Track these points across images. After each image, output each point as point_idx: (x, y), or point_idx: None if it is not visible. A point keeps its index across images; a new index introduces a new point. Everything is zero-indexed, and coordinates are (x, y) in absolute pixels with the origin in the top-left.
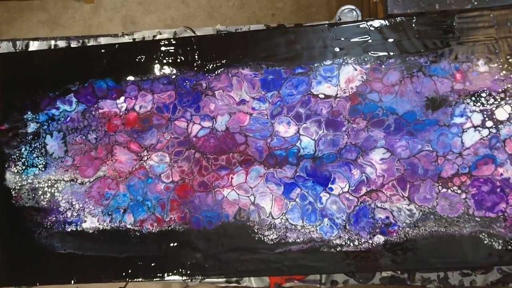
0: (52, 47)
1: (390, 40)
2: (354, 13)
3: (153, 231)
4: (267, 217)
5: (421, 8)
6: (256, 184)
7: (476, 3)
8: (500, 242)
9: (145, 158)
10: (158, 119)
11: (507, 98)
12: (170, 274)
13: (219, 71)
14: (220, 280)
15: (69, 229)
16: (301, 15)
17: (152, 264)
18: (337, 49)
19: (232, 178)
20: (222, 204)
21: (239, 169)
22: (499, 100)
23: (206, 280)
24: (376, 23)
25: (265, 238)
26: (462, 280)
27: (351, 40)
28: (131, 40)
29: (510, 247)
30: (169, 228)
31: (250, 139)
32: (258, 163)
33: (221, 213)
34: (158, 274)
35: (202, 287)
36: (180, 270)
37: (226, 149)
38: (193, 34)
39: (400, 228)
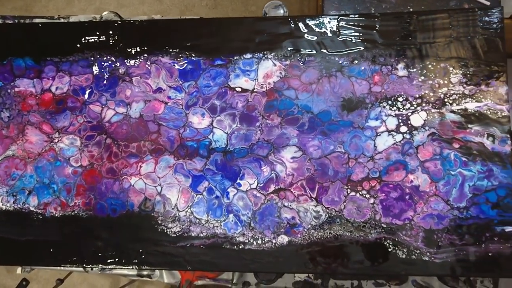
0: None
1: (313, 38)
2: (281, 9)
3: (56, 215)
4: (172, 209)
5: (357, 11)
6: (165, 175)
7: (411, 10)
8: (405, 250)
9: (56, 140)
10: (73, 102)
11: (424, 104)
12: (69, 261)
13: (139, 58)
14: (132, 273)
15: None
16: None
17: (51, 250)
18: (258, 44)
19: (141, 166)
20: (128, 193)
21: (149, 157)
22: (415, 105)
23: (115, 271)
24: (300, 20)
25: (168, 230)
26: None
27: (274, 35)
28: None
29: (414, 256)
30: (73, 213)
31: (163, 128)
32: (169, 153)
33: (126, 201)
34: (56, 261)
35: (152, 286)
36: (80, 257)
37: (138, 137)
38: (119, 19)
39: (305, 230)
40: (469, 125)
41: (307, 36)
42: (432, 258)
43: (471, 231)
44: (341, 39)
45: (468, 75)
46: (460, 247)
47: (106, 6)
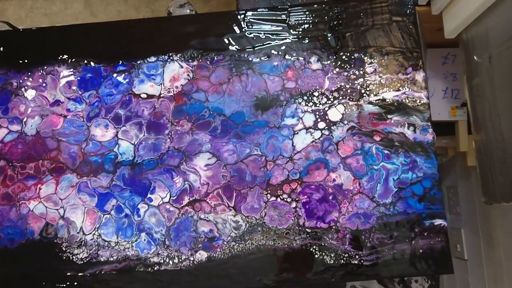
0: None
1: (220, 35)
2: (187, 8)
3: None
4: (78, 233)
5: (272, 5)
6: (67, 195)
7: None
8: (332, 255)
9: None
10: None
11: (340, 98)
12: None
13: (32, 69)
14: None
15: None
16: None
17: None
18: (162, 45)
19: (40, 188)
20: (27, 219)
21: (48, 178)
22: (332, 99)
23: None
24: (206, 18)
25: (74, 257)
26: None
27: (179, 35)
28: None
29: (342, 261)
30: None
31: (62, 144)
32: (71, 171)
33: (25, 229)
34: None
35: None
36: None
37: (35, 156)
38: (10, 29)
39: (225, 243)
40: (389, 116)
41: (214, 34)
42: (362, 261)
43: (400, 227)
44: (251, 35)
45: (384, 64)
46: (390, 246)
47: (37, 24)
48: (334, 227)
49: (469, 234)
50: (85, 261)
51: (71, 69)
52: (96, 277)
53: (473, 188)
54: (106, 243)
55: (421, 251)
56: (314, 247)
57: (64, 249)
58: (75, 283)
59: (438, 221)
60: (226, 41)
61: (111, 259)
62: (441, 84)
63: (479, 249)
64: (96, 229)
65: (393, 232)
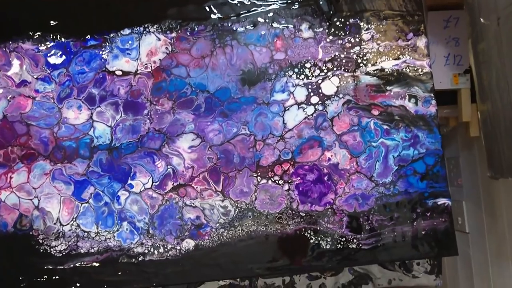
0: None
1: (201, 2)
2: None
3: None
4: (54, 224)
5: None
6: (41, 184)
7: None
8: (329, 240)
9: None
10: None
11: (335, 69)
12: None
13: None
14: None
15: None
16: None
17: None
18: (137, 16)
19: (11, 177)
20: None
21: (19, 166)
22: (325, 71)
23: None
24: None
25: (52, 250)
26: (310, 284)
27: (155, 4)
28: None
29: (339, 245)
30: None
31: (33, 128)
32: (43, 158)
33: None
34: None
35: None
36: None
37: (3, 142)
38: None
39: (213, 230)
40: (388, 87)
41: (194, 2)
42: (360, 245)
43: (401, 208)
44: (234, 1)
45: (382, 30)
46: (390, 228)
47: None
48: (330, 209)
49: (471, 207)
50: (64, 253)
51: (37, 45)
52: (76, 270)
53: (475, 159)
54: (86, 233)
55: (423, 232)
56: (309, 231)
57: (40, 241)
58: (54, 277)
59: (441, 200)
60: (207, 9)
61: (92, 250)
62: (442, 50)
63: (481, 222)
64: (74, 219)
65: (394, 213)
